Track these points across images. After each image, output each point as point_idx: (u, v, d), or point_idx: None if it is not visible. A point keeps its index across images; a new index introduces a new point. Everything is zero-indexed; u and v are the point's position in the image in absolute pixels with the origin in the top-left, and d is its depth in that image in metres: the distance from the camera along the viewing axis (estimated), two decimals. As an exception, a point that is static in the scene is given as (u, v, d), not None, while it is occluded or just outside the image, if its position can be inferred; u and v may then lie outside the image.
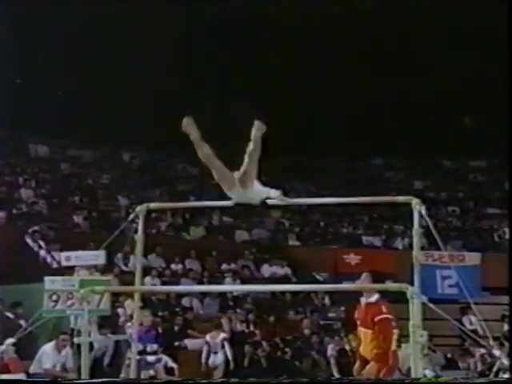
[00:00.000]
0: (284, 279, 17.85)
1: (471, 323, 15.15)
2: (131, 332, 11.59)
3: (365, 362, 8.12)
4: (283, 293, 16.89)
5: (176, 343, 14.51)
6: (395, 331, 8.12)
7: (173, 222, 19.95)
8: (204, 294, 16.36)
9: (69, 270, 14.32)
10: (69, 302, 11.10)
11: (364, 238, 21.23)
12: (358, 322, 8.25)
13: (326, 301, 17.52)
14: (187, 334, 14.95)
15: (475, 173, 25.97)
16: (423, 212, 7.67)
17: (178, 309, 15.91)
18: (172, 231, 19.78)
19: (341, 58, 22.68)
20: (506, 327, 15.38)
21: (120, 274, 15.63)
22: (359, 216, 22.23)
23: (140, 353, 11.76)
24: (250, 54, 22.69)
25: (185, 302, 16.27)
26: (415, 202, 7.76)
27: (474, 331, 12.21)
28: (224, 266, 18.06)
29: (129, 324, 12.87)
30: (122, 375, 12.15)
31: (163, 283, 15.90)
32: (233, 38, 22.12)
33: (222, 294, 16.53)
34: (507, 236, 20.12)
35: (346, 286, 9.07)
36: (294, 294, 16.88)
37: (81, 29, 21.23)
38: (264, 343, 14.96)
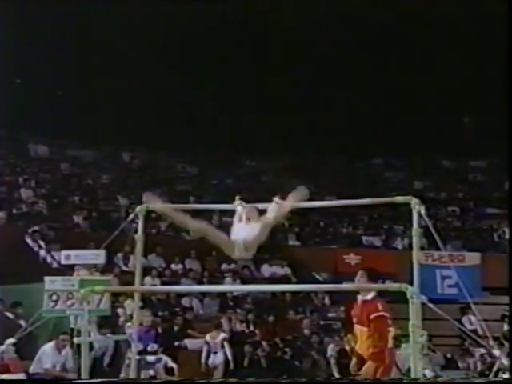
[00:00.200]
0: (284, 279, 17.84)
1: (471, 323, 15.13)
2: (131, 332, 11.59)
3: (361, 360, 8.12)
4: (283, 293, 16.88)
5: (176, 343, 14.51)
6: (391, 329, 8.11)
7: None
8: (204, 294, 16.35)
9: (69, 270, 14.33)
10: (69, 302, 11.10)
11: (364, 238, 21.22)
12: (355, 320, 8.26)
13: (326, 301, 17.50)
14: (187, 334, 14.94)
15: (475, 173, 25.96)
16: (423, 212, 7.67)
17: (177, 309, 15.90)
18: (172, 231, 19.76)
19: (341, 58, 22.70)
20: (505, 327, 15.38)
21: (120, 274, 15.62)
22: (359, 216, 22.21)
23: (140, 353, 11.76)
24: (250, 54, 22.71)
25: (185, 302, 16.26)
26: (415, 202, 7.76)
27: (474, 331, 12.18)
28: (224, 266, 18.04)
29: (129, 324, 12.86)
30: (122, 375, 12.15)
31: (163, 283, 15.90)
32: (233, 38, 22.15)
33: (222, 294, 16.52)
34: (507, 236, 20.12)
35: (345, 285, 9.05)
36: (294, 293, 16.86)
37: (81, 29, 21.26)
38: (264, 343, 14.96)
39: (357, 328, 8.21)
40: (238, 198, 8.33)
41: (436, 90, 23.35)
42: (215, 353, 14.14)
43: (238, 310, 16.02)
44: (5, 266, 13.93)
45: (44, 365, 11.78)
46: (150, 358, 13.04)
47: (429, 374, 12.56)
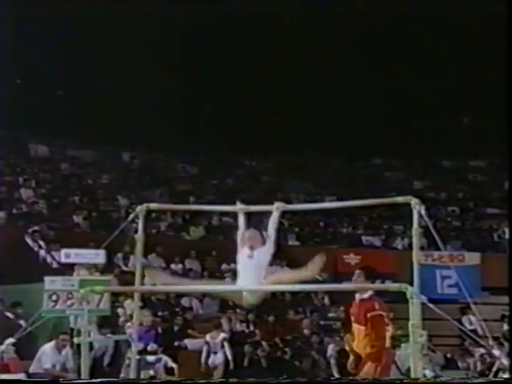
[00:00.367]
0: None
1: (471, 323, 15.13)
2: (131, 332, 11.59)
3: (358, 358, 8.13)
4: (283, 293, 16.87)
5: (176, 343, 14.51)
6: (388, 328, 8.11)
7: (173, 221, 19.95)
8: (204, 294, 16.35)
9: (69, 270, 14.34)
10: (68, 302, 11.13)
11: (364, 237, 21.22)
12: (352, 318, 8.27)
13: (326, 301, 17.51)
14: (187, 334, 14.95)
15: (475, 173, 25.95)
16: (423, 212, 7.65)
17: (177, 309, 15.91)
18: (172, 231, 19.78)
19: (341, 58, 22.70)
20: (505, 327, 15.38)
21: (120, 274, 15.63)
22: (359, 216, 22.21)
23: (140, 352, 11.76)
24: (250, 54, 22.71)
25: (184, 301, 16.27)
26: (415, 202, 7.75)
27: (474, 331, 12.17)
28: (224, 266, 18.04)
29: (129, 324, 12.87)
30: (122, 375, 12.15)
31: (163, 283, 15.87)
32: (233, 38, 22.15)
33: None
34: (507, 236, 20.11)
35: (345, 285, 9.06)
36: (294, 294, 16.86)
37: (81, 29, 21.25)
38: (264, 343, 14.96)
39: (354, 326, 8.23)
40: (239, 204, 8.23)
41: (436, 90, 23.34)
42: (215, 353, 14.15)
43: (238, 310, 16.01)
44: (5, 266, 13.92)
45: (44, 365, 11.78)
46: (150, 358, 13.05)
47: (429, 373, 12.56)
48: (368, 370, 7.88)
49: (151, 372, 12.89)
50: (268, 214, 8.20)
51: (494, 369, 9.70)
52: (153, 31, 21.60)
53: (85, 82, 22.04)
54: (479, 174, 25.79)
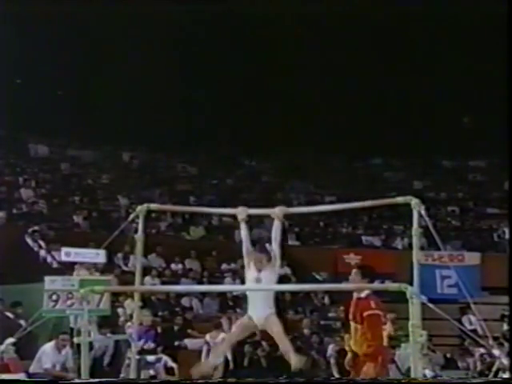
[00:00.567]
0: (284, 279, 17.83)
1: (471, 323, 15.14)
2: (131, 332, 11.59)
3: (355, 356, 8.13)
4: (283, 292, 16.87)
5: (176, 343, 14.51)
6: (385, 327, 8.11)
7: (173, 221, 19.96)
8: (204, 294, 16.37)
9: (69, 270, 14.35)
10: (69, 302, 11.11)
11: (364, 237, 21.24)
12: (350, 317, 8.28)
13: (326, 300, 17.52)
14: (187, 333, 14.96)
15: (475, 173, 25.97)
16: (423, 212, 7.65)
17: (177, 309, 15.92)
18: (172, 231, 19.79)
19: (341, 58, 22.70)
20: (505, 327, 15.38)
21: (120, 273, 15.64)
22: (359, 216, 22.22)
23: (140, 352, 11.75)
24: (250, 54, 22.71)
25: (184, 301, 16.28)
26: (415, 202, 7.76)
27: (474, 331, 12.18)
28: (224, 266, 18.07)
29: (129, 324, 12.87)
30: (122, 375, 12.15)
31: (163, 283, 15.90)
32: (233, 38, 22.16)
33: (222, 294, 16.53)
34: (507, 236, 20.12)
35: (345, 285, 9.07)
36: (294, 293, 16.87)
37: (81, 29, 21.26)
38: (264, 343, 14.94)
39: (352, 325, 8.24)
40: (241, 212, 8.24)
41: (436, 90, 23.35)
42: (215, 352, 14.13)
43: (238, 310, 16.01)
44: (5, 266, 13.94)
45: (44, 365, 11.78)
46: (150, 358, 13.05)
47: (429, 373, 12.56)
48: (366, 369, 7.88)
49: (151, 372, 12.89)
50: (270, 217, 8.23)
51: (494, 369, 9.71)
52: (153, 31, 21.60)
53: (85, 81, 22.05)
54: (479, 174, 25.81)
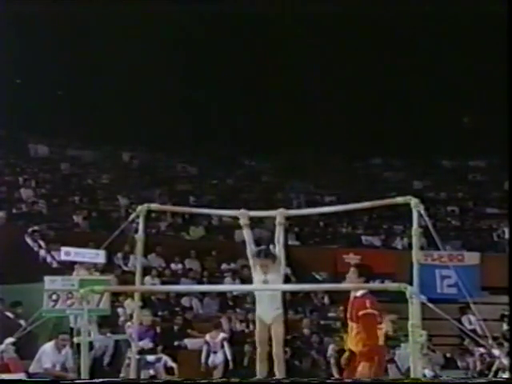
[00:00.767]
0: (284, 279, 17.82)
1: (470, 323, 15.15)
2: (131, 331, 11.59)
3: (353, 355, 8.14)
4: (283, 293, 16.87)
5: (176, 343, 14.51)
6: (381, 326, 8.10)
7: (173, 221, 19.96)
8: (203, 294, 16.36)
9: (69, 270, 14.35)
10: (68, 302, 11.12)
11: (363, 237, 21.23)
12: (348, 315, 8.30)
13: (326, 300, 17.52)
14: (187, 333, 14.96)
15: (474, 173, 25.98)
16: (422, 212, 7.66)
17: (177, 308, 15.91)
18: (172, 231, 19.79)
19: (341, 58, 22.70)
20: (505, 327, 15.39)
21: (120, 273, 15.64)
22: (358, 216, 22.22)
23: (140, 352, 11.76)
24: (250, 54, 22.71)
25: (184, 301, 16.28)
26: (414, 202, 7.76)
27: (474, 331, 12.20)
28: (224, 266, 18.06)
29: (128, 324, 12.87)
30: (122, 375, 12.15)
31: (163, 283, 15.90)
32: (233, 38, 22.16)
33: (222, 294, 16.53)
34: (506, 236, 20.13)
35: (345, 285, 9.06)
36: (294, 293, 16.87)
37: (81, 29, 21.26)
38: (264, 343, 14.94)
39: (349, 324, 8.27)
40: (242, 216, 8.24)
41: (436, 90, 23.35)
42: (215, 352, 14.15)
43: (238, 310, 16.03)
44: (5, 266, 13.93)
45: (44, 364, 11.78)
46: (150, 358, 13.04)
47: (428, 373, 12.58)
48: (362, 369, 7.88)
49: (151, 372, 12.89)
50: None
51: (494, 368, 9.73)
52: (153, 31, 21.60)
53: (85, 81, 22.05)
54: (479, 174, 25.81)
